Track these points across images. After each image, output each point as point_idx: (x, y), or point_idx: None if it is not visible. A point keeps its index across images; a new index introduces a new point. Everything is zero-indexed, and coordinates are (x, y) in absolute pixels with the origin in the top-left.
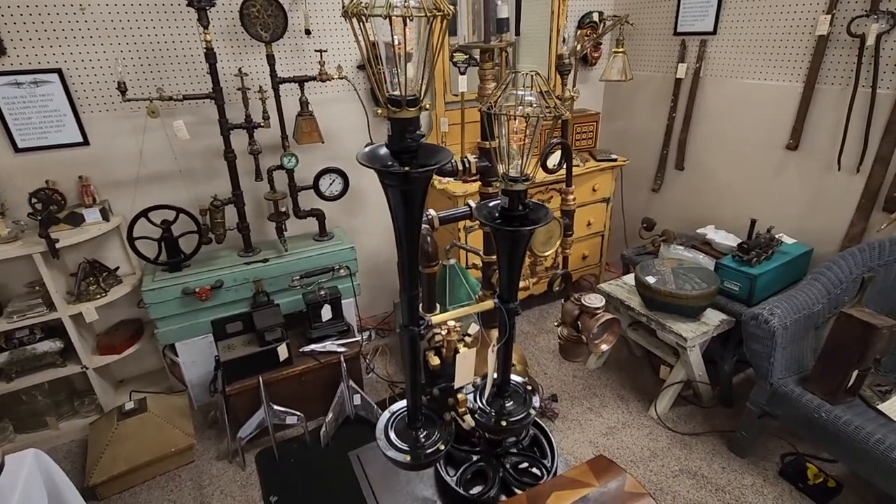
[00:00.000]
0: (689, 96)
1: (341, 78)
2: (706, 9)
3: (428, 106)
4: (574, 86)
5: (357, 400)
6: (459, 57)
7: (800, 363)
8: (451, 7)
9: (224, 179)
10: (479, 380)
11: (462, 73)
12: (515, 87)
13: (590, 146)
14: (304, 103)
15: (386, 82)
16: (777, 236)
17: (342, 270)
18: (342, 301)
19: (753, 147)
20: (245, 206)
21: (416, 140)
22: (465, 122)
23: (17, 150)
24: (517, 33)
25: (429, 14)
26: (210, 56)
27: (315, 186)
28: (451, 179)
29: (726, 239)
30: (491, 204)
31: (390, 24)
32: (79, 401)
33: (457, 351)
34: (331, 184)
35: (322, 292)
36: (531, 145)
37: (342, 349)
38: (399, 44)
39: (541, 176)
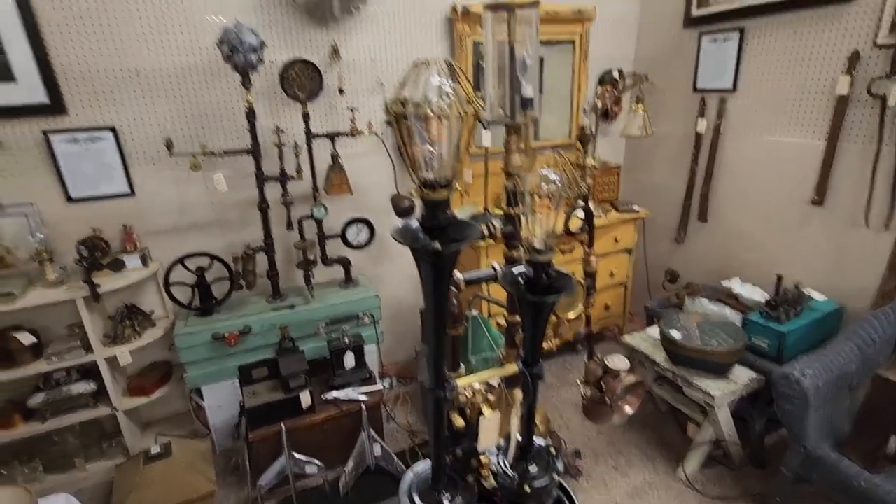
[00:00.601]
0: (711, 151)
1: (371, 133)
2: (725, 67)
3: (458, 187)
4: (594, 151)
5: (377, 450)
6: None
7: (835, 426)
8: (481, 102)
9: (256, 228)
10: (501, 441)
11: (486, 129)
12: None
13: (612, 197)
14: (334, 157)
15: (420, 166)
16: (806, 292)
17: (366, 318)
18: (365, 348)
19: (778, 201)
20: (275, 253)
21: (447, 218)
22: (488, 175)
23: (69, 199)
24: (540, 91)
25: (462, 115)
26: (251, 115)
27: (342, 236)
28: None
29: (753, 293)
30: (516, 270)
31: (426, 120)
32: (106, 443)
33: (481, 413)
34: (358, 233)
35: (346, 339)
36: (555, 221)
37: (364, 397)
38: (433, 135)
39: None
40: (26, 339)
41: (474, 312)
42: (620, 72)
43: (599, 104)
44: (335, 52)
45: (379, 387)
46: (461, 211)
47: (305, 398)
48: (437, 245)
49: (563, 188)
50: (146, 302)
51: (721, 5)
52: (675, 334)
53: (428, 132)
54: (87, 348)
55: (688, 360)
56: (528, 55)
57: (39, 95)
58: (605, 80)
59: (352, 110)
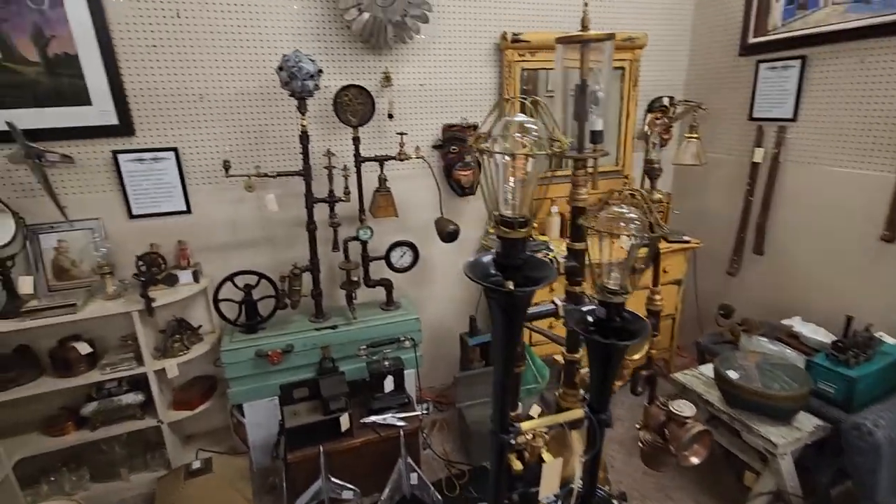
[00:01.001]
0: (768, 181)
1: (418, 157)
2: (784, 96)
3: (535, 227)
4: (652, 182)
5: (414, 479)
6: None
7: None
8: (566, 140)
9: (302, 247)
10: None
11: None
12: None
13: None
14: (382, 180)
15: (498, 203)
16: (877, 335)
17: (406, 342)
18: (404, 372)
19: (843, 236)
20: (320, 273)
21: (523, 257)
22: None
23: (131, 216)
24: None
25: (549, 152)
26: (304, 138)
27: (387, 258)
28: None
29: (816, 333)
30: (584, 309)
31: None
32: (150, 454)
33: (541, 457)
34: (402, 256)
35: (386, 363)
36: (631, 262)
37: (402, 423)
38: (514, 171)
39: (613, 253)
40: (84, 348)
41: None
42: (671, 99)
43: (648, 131)
44: (387, 78)
45: (417, 413)
46: None
47: (345, 421)
48: (510, 285)
49: (643, 228)
50: (195, 316)
51: (781, 33)
52: (733, 374)
53: (510, 168)
54: (139, 360)
55: (747, 403)
56: (599, 87)
57: (111, 117)
58: (654, 107)
59: (401, 135)
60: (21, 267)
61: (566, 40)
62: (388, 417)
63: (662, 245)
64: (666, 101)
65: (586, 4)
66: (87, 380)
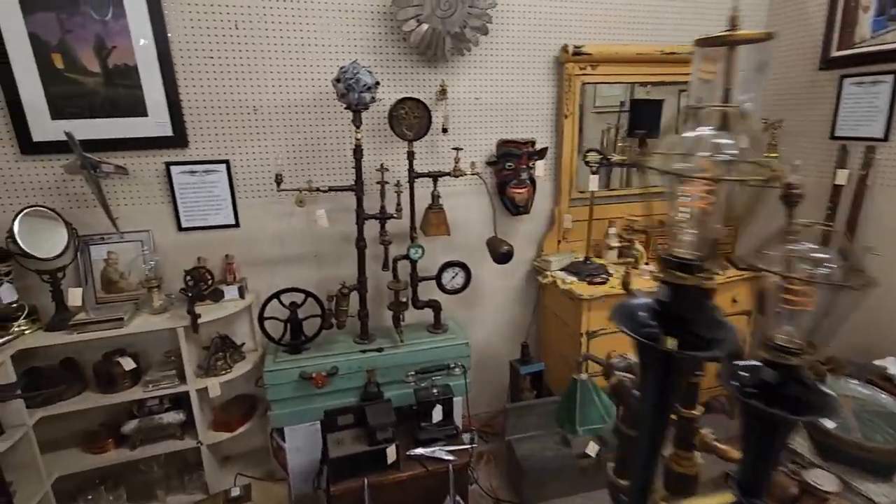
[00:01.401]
0: (853, 205)
1: (474, 174)
2: (874, 114)
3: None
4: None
5: None
6: (594, 157)
7: None
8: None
9: (349, 264)
10: None
11: (594, 173)
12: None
13: (727, 252)
14: (435, 197)
15: (673, 238)
16: None
17: (457, 369)
18: (453, 400)
19: None
20: (367, 292)
21: (695, 311)
22: (592, 219)
23: (180, 228)
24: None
25: (763, 183)
26: (357, 152)
27: (438, 279)
28: (576, 280)
29: None
30: (743, 365)
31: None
32: (187, 476)
33: None
34: (453, 277)
35: (435, 390)
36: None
37: (451, 457)
38: (699, 201)
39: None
40: (128, 364)
41: (583, 376)
42: None
43: None
44: (443, 91)
45: (466, 446)
46: (557, 258)
47: (391, 453)
48: (672, 343)
49: (845, 273)
50: (238, 333)
51: (870, 46)
52: (829, 423)
53: (691, 194)
54: (181, 378)
55: (845, 457)
56: (748, 97)
57: (166, 129)
58: None
59: (457, 150)
60: (70, 278)
61: (708, 43)
62: (437, 450)
63: (732, 272)
64: None
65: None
66: (129, 396)
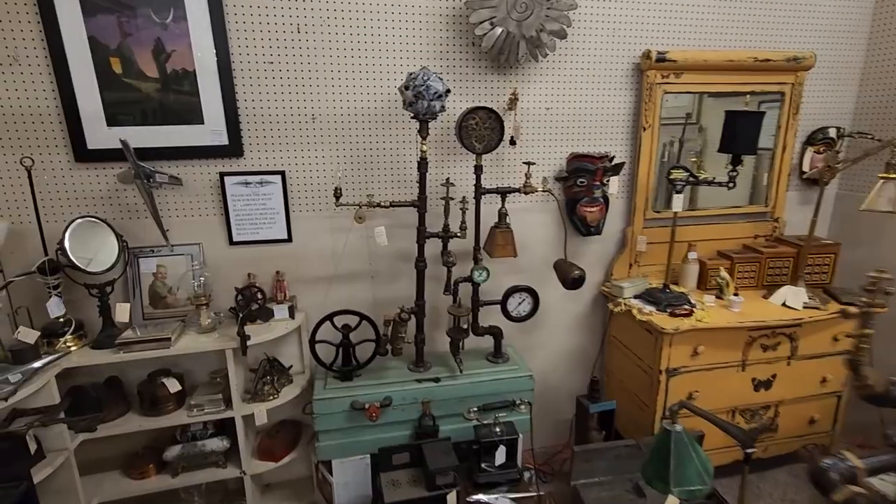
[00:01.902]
0: None
1: (545, 191)
2: None
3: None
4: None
5: None
6: (679, 175)
7: None
8: None
9: (405, 284)
10: None
11: (678, 192)
12: None
13: (824, 282)
14: (503, 215)
15: None
16: None
17: (522, 406)
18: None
19: None
20: (425, 316)
21: None
22: (674, 242)
23: (231, 242)
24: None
25: None
26: (422, 165)
27: (503, 305)
28: (655, 310)
29: None
30: None
31: None
32: None
33: None
34: (519, 303)
35: (497, 429)
36: None
37: None
38: None
39: (771, 313)
40: (173, 385)
41: (677, 427)
42: (838, 130)
43: (807, 167)
44: (513, 100)
45: (532, 494)
46: (630, 284)
47: (452, 500)
48: None
49: None
50: (286, 354)
51: None
52: None
53: None
54: (227, 402)
55: None
56: None
57: (222, 137)
58: (817, 139)
59: (528, 164)
60: (119, 292)
61: None
62: (500, 498)
63: (833, 306)
64: (833, 133)
65: None
66: (173, 421)
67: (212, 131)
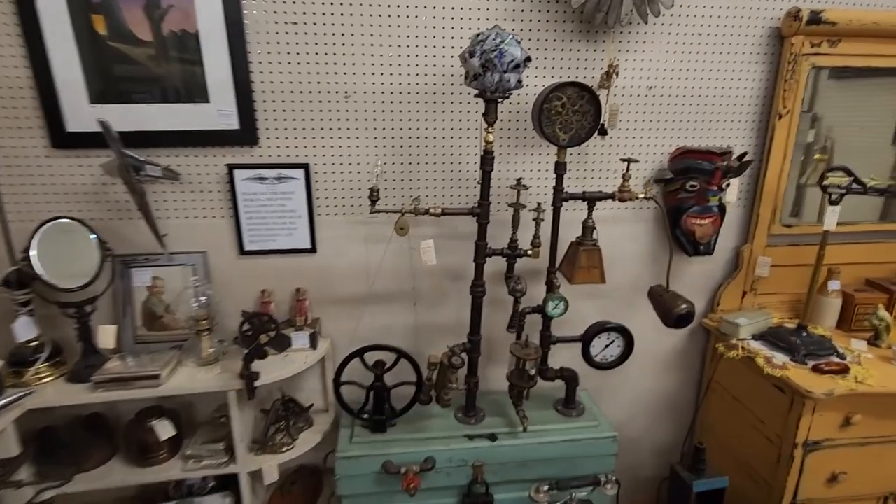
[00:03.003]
0: None
1: (649, 197)
2: None
3: None
4: None
5: None
6: (838, 179)
7: None
8: None
9: (453, 308)
10: None
11: (834, 203)
12: None
13: None
14: (589, 229)
15: None
16: None
17: (608, 484)
18: None
19: None
20: (480, 356)
21: None
22: (820, 266)
23: (241, 252)
24: None
25: None
26: (486, 161)
27: (584, 348)
28: (791, 362)
29: None
30: None
31: None
32: None
33: None
34: (607, 346)
35: None
36: None
37: None
38: None
39: None
40: (165, 430)
41: None
42: None
43: None
44: (609, 75)
45: None
46: (749, 320)
47: None
48: None
49: None
50: (306, 388)
51: None
52: None
53: None
54: (230, 451)
55: None
56: None
57: (231, 120)
58: None
59: (627, 162)
60: (105, 309)
61: None
62: None
63: None
64: None
65: None
66: (164, 474)
67: (219, 112)
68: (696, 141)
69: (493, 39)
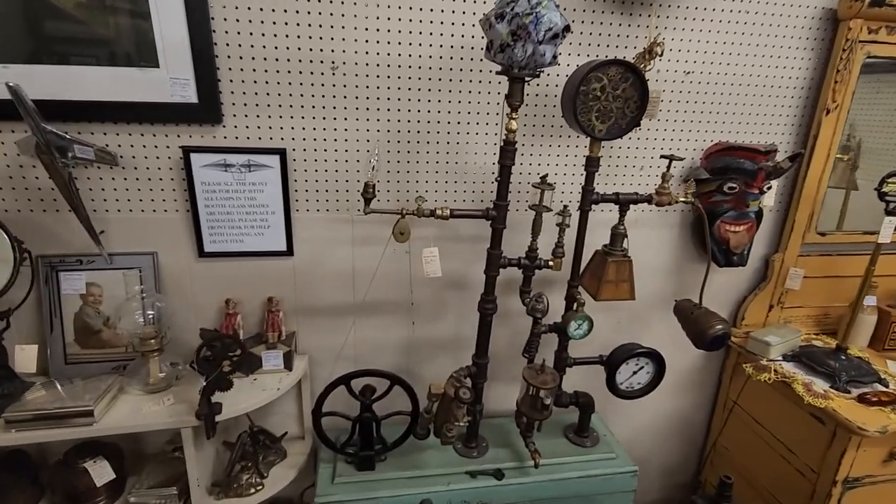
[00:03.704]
0: None
1: (689, 201)
2: None
3: None
4: None
5: None
6: None
7: None
8: None
9: (452, 321)
10: None
11: (891, 214)
12: None
13: None
14: (620, 236)
15: None
16: None
17: None
18: None
19: None
20: (486, 381)
21: None
22: (870, 278)
23: (201, 253)
24: None
25: None
26: (507, 153)
27: (610, 375)
28: (832, 390)
29: None
30: None
31: None
32: None
33: None
34: (635, 373)
35: None
36: None
37: None
38: None
39: None
40: (101, 473)
41: None
42: None
43: None
44: (649, 54)
45: None
46: (779, 338)
47: None
48: None
49: None
50: (278, 412)
51: None
52: None
53: None
54: (185, 497)
55: None
56: None
57: (187, 91)
58: None
59: (669, 159)
60: (28, 323)
61: None
62: None
63: None
64: None
65: None
66: None
67: (171, 80)
68: (731, 136)
69: (528, 1)
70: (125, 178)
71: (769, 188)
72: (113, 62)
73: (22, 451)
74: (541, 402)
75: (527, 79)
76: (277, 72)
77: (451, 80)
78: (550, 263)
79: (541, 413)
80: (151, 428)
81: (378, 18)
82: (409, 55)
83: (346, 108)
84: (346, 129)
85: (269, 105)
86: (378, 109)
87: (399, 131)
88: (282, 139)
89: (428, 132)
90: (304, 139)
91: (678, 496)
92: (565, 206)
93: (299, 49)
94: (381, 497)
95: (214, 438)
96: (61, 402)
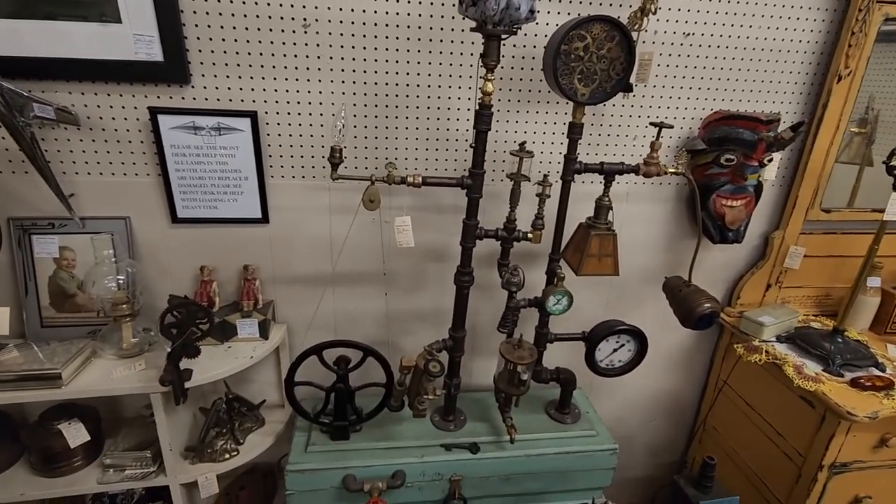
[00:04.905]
0: None
1: (679, 173)
2: None
3: None
4: None
5: None
6: None
7: None
8: None
9: (431, 293)
10: None
11: None
12: None
13: None
14: (604, 209)
15: None
16: None
17: None
18: None
19: None
20: (463, 354)
21: None
22: (872, 258)
23: (175, 219)
24: None
25: None
26: (482, 117)
27: (589, 353)
28: (824, 373)
29: None
30: None
31: None
32: None
33: None
34: (615, 350)
35: None
36: None
37: None
38: None
39: None
40: (77, 435)
41: None
42: None
43: None
44: (642, 12)
45: None
46: (773, 318)
47: None
48: None
49: None
50: (256, 380)
51: None
52: None
53: None
54: (159, 461)
55: None
56: None
57: (152, 49)
58: None
59: (658, 127)
60: (2, 284)
61: None
62: None
63: None
64: None
65: None
66: (76, 487)
67: (135, 37)
68: (733, 104)
69: None
70: (93, 140)
71: (770, 161)
72: (72, 16)
73: (2, 411)
74: (518, 377)
75: (503, 36)
76: (246, 29)
77: (430, 41)
78: (529, 235)
79: (518, 388)
80: (120, 392)
81: None
82: (386, 12)
83: (319, 69)
84: (319, 92)
85: (238, 65)
86: (354, 71)
87: (376, 94)
88: (253, 101)
89: (407, 95)
90: (276, 101)
91: (664, 475)
92: (545, 176)
93: (269, 4)
94: (353, 466)
95: (189, 404)
96: (29, 365)
